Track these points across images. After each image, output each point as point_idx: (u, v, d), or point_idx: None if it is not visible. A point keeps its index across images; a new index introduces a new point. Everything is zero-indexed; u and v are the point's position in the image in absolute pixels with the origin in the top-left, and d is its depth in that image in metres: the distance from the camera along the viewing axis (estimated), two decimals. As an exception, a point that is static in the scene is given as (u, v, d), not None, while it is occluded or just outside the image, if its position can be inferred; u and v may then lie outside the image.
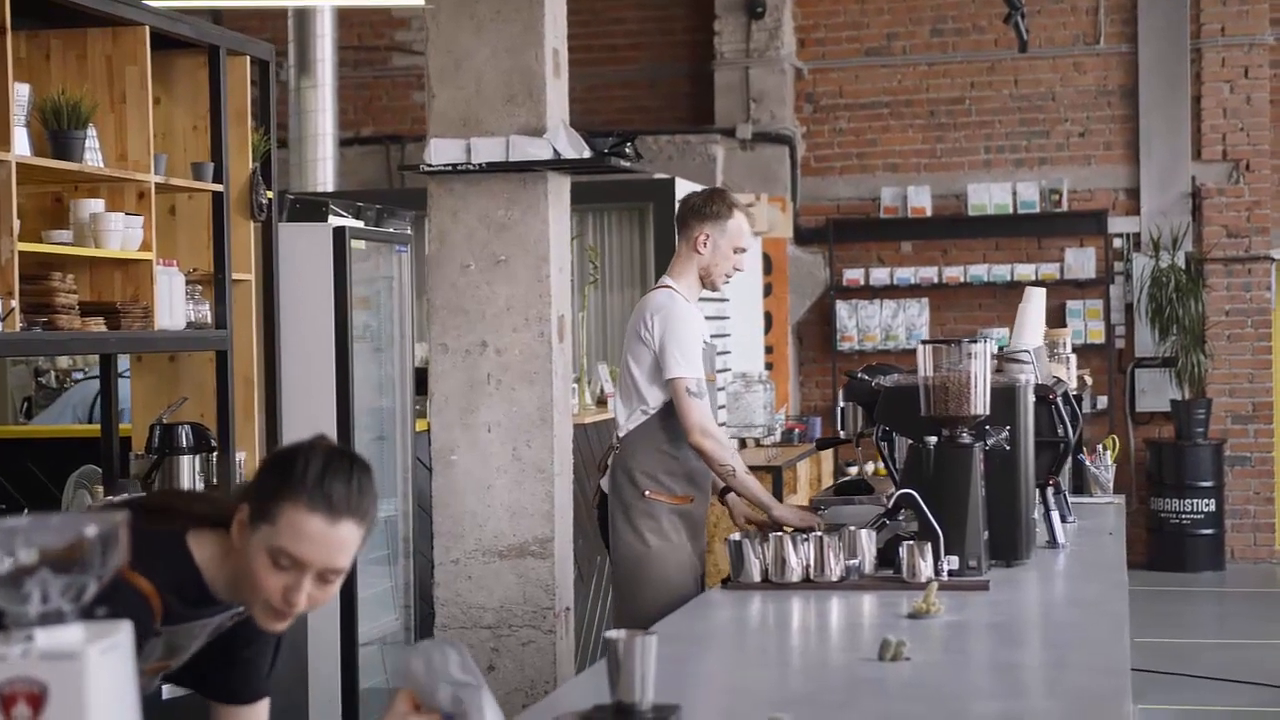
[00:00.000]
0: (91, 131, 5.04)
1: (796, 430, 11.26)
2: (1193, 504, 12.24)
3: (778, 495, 8.55)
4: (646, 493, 5.25)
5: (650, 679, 2.77)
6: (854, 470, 12.32)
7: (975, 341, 4.47)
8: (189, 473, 5.51)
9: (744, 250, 5.43)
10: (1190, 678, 8.72)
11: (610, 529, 5.33)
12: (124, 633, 1.85)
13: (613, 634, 2.76)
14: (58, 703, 1.77)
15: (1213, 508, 12.26)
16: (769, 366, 12.42)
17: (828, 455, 11.51)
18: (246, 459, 5.86)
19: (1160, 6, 12.61)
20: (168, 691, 4.42)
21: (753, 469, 8.85)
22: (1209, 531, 12.28)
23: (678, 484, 5.27)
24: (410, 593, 6.98)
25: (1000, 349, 5.40)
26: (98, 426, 5.88)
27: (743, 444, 10.38)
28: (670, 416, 5.21)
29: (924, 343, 4.52)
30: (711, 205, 5.37)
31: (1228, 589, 11.90)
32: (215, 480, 5.69)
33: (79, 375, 8.87)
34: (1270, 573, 12.41)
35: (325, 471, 2.55)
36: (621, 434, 5.34)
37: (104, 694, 1.80)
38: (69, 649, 1.78)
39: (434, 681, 2.70)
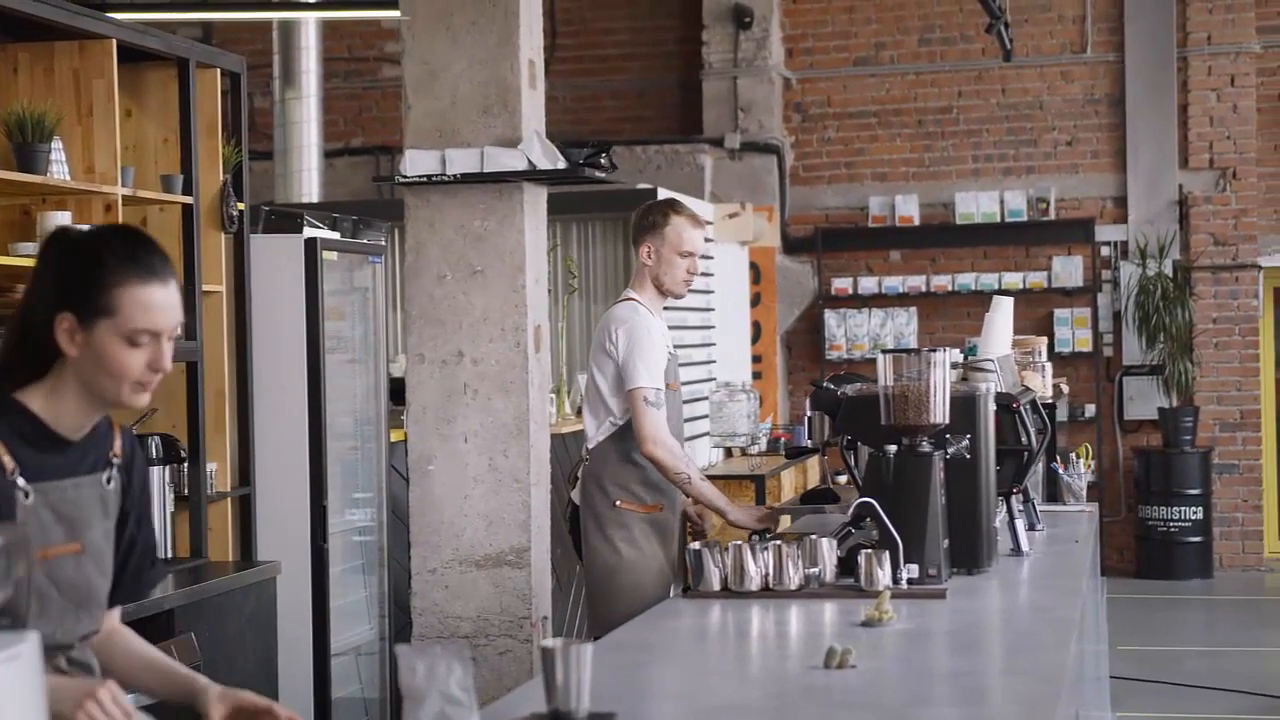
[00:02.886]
0: (57, 144, 5.06)
1: (783, 439, 11.27)
2: (1181, 512, 12.24)
3: (761, 502, 8.57)
4: (617, 503, 5.34)
5: (585, 687, 2.78)
6: (843, 479, 12.34)
7: (935, 350, 4.48)
8: (159, 484, 5.51)
9: (691, 254, 5.49)
10: (1174, 685, 8.73)
11: (582, 539, 5.39)
12: (29, 643, 1.86)
13: (548, 643, 2.78)
14: (-42, 712, 1.79)
15: (1201, 515, 12.27)
16: (757, 376, 12.44)
17: (814, 464, 11.52)
18: (217, 470, 5.88)
19: (1146, 15, 12.63)
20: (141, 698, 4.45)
21: (736, 478, 8.88)
22: (1197, 539, 12.28)
23: (648, 493, 5.33)
24: (386, 602, 6.99)
25: (965, 357, 5.41)
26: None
27: (728, 453, 10.41)
28: None
29: (884, 352, 4.53)
30: (648, 217, 5.54)
31: (1216, 596, 11.89)
32: (186, 492, 5.70)
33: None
34: (1258, 580, 12.41)
35: (133, 247, 2.68)
36: (590, 445, 5.42)
37: (7, 705, 1.81)
38: (-32, 659, 1.80)
39: (428, 689, 2.70)
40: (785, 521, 6.13)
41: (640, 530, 5.30)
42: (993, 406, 4.76)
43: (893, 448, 4.46)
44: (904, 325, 12.91)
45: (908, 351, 4.51)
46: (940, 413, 4.45)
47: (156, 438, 5.55)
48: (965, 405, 4.61)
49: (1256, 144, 12.63)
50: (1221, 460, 12.58)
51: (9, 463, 2.66)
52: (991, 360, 5.21)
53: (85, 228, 2.74)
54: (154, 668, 2.95)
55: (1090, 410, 12.58)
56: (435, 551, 5.70)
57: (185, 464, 5.65)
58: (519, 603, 5.68)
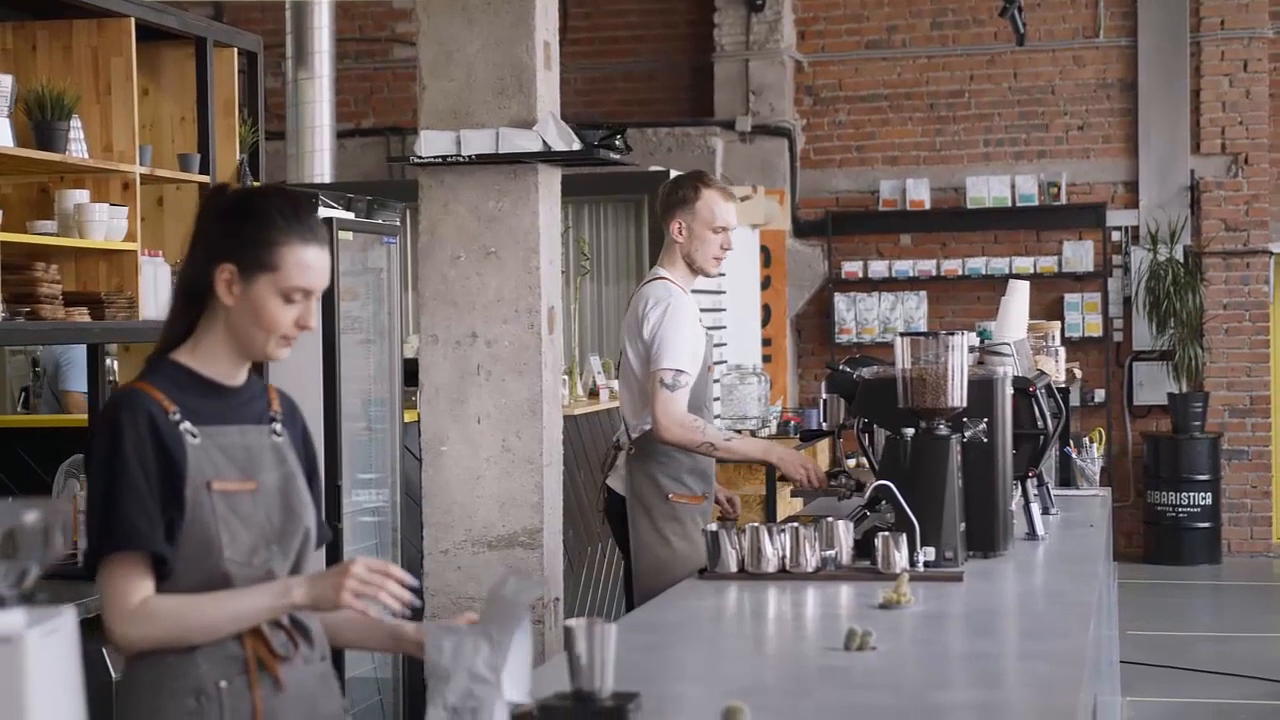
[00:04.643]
0: (76, 122, 5.06)
1: (793, 422, 11.27)
2: (1190, 497, 12.25)
3: (771, 486, 8.53)
4: (670, 495, 5.20)
5: (609, 667, 2.78)
6: (852, 463, 12.35)
7: (953, 334, 4.48)
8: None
9: (724, 229, 5.32)
10: (1183, 670, 8.74)
11: (631, 531, 5.25)
12: (66, 617, 1.87)
13: (572, 623, 2.78)
14: (-3, 686, 1.79)
15: (1209, 501, 12.27)
16: (767, 359, 12.44)
17: (825, 447, 11.53)
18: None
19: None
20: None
21: (746, 460, 8.80)
22: (1206, 525, 12.29)
23: (698, 483, 5.23)
24: (399, 583, 6.99)
25: (981, 341, 5.41)
26: (86, 417, 5.90)
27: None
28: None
29: (902, 335, 4.53)
30: (677, 191, 5.35)
31: (1224, 582, 11.90)
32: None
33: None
34: (1266, 566, 12.41)
35: (298, 209, 2.85)
36: (635, 434, 5.26)
37: (44, 678, 1.82)
38: (8, 633, 1.80)
39: (455, 668, 2.71)
40: (797, 505, 6.13)
41: (691, 522, 5.21)
42: (1010, 390, 4.76)
43: (910, 431, 4.46)
44: (914, 309, 12.91)
45: (926, 335, 4.50)
46: (958, 396, 4.45)
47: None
48: (982, 389, 4.60)
49: (1269, 129, 12.61)
50: (1231, 446, 12.58)
51: (170, 406, 2.79)
52: (1008, 344, 5.21)
53: (244, 187, 2.89)
54: (356, 620, 3.03)
55: (1100, 395, 12.58)
56: (448, 532, 5.70)
57: (201, 443, 5.65)
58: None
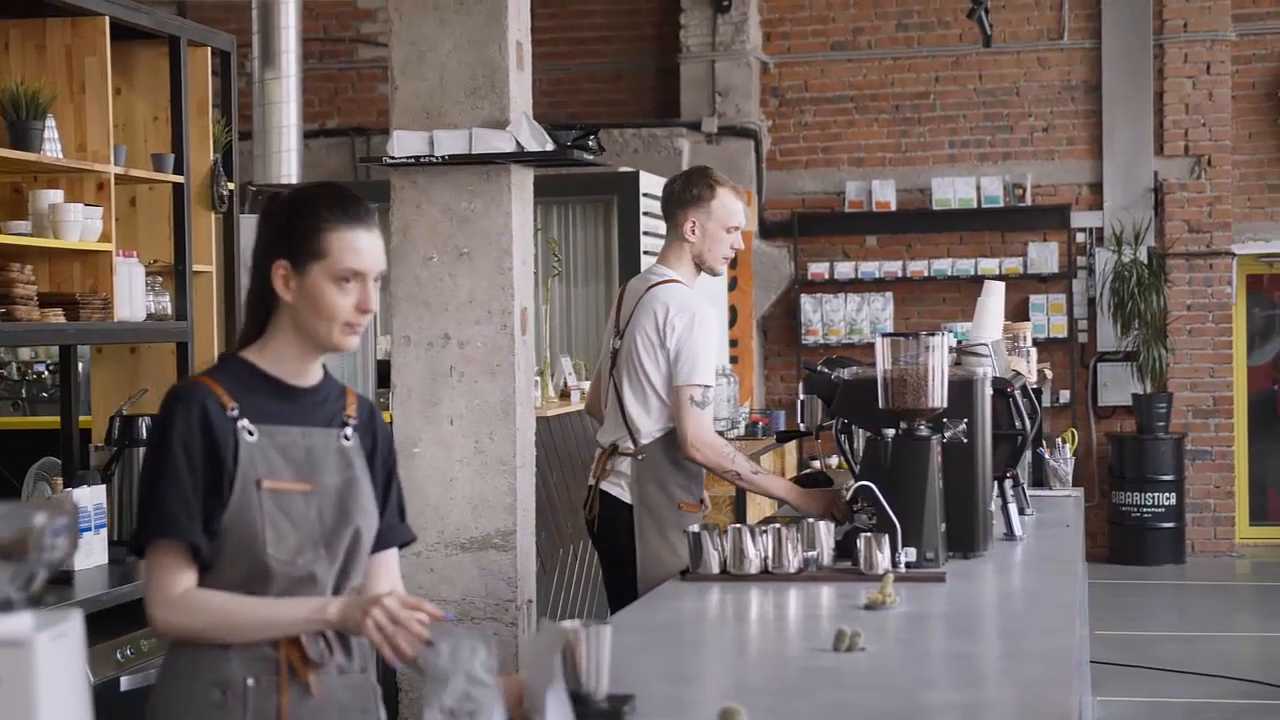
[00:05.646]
0: (51, 122, 5.02)
1: (761, 424, 11.28)
2: (1154, 497, 12.31)
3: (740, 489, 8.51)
4: (681, 505, 5.06)
5: (605, 669, 2.78)
6: (816, 464, 12.38)
7: (934, 334, 4.48)
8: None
9: (736, 228, 5.15)
10: (1150, 670, 8.78)
11: (638, 540, 5.06)
12: (74, 621, 1.85)
13: (568, 624, 2.78)
14: (7, 691, 1.77)
15: (1173, 501, 12.34)
16: (734, 360, 12.45)
17: (791, 449, 11.55)
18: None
19: (1123, 2, 12.67)
20: (126, 683, 4.43)
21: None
22: (1170, 525, 12.35)
23: (698, 490, 5.13)
24: (372, 585, 6.97)
25: (959, 342, 5.42)
26: (57, 418, 5.85)
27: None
28: None
29: (883, 335, 4.53)
30: (691, 189, 5.13)
31: (1188, 582, 11.97)
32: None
33: (41, 368, 8.82)
34: (1230, 565, 12.49)
35: (342, 199, 2.92)
36: (643, 440, 5.07)
37: (54, 682, 1.80)
38: (18, 637, 1.78)
39: (452, 671, 2.70)
40: (766, 505, 6.14)
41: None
42: (989, 391, 4.77)
43: (891, 431, 4.46)
44: (880, 310, 12.93)
45: (906, 335, 4.51)
46: (939, 397, 4.45)
47: (148, 418, 5.52)
48: (962, 389, 4.61)
49: (1231, 131, 12.69)
50: (1194, 446, 12.66)
51: (229, 402, 2.85)
52: (985, 345, 5.22)
53: (293, 186, 2.91)
54: None
55: (1065, 396, 12.64)
56: (421, 535, 5.67)
57: (175, 445, 5.61)
58: (505, 586, 5.67)
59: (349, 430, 2.98)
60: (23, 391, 8.66)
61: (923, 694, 3.06)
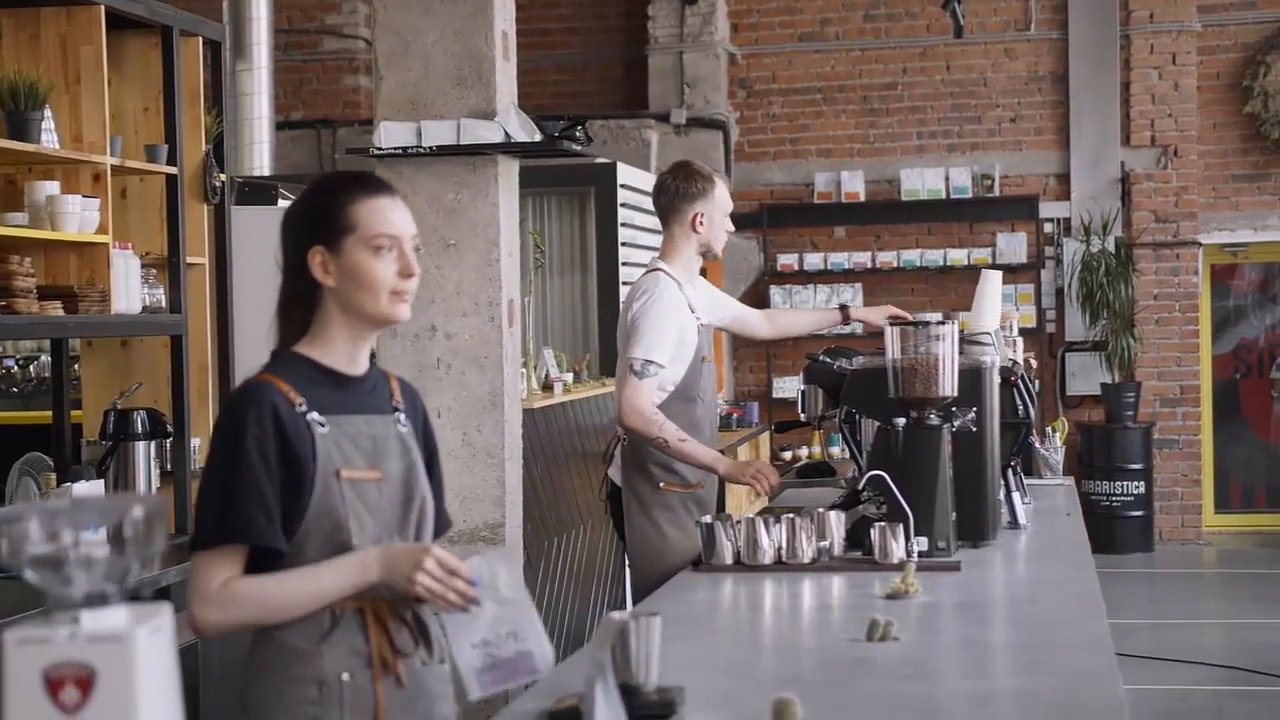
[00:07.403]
0: (48, 112, 4.96)
1: (734, 415, 11.29)
2: (1122, 486, 12.38)
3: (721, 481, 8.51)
4: (661, 484, 5.19)
5: (655, 660, 2.77)
6: (788, 455, 12.39)
7: (943, 323, 4.48)
8: (144, 459, 5.44)
9: (730, 212, 5.48)
10: (1122, 657, 8.82)
11: (626, 521, 5.24)
12: (166, 615, 1.83)
13: (618, 615, 2.75)
14: (106, 685, 1.75)
15: (1142, 490, 12.41)
16: (703, 351, 12.43)
17: (764, 440, 11.56)
18: (202, 445, 5.80)
19: (1090, -8, 12.73)
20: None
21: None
22: (1138, 513, 12.43)
23: (691, 471, 5.20)
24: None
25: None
26: (49, 413, 5.79)
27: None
28: (677, 404, 5.15)
29: (892, 324, 4.53)
30: (694, 184, 5.33)
31: (1157, 570, 12.04)
32: (170, 467, 5.62)
33: (10, 363, 8.74)
34: (1198, 553, 12.57)
35: (355, 176, 2.94)
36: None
37: (151, 675, 1.78)
38: (116, 631, 1.76)
39: (479, 596, 2.69)
40: (742, 496, 6.14)
41: (684, 510, 5.18)
42: (997, 379, 4.78)
43: (901, 421, 4.46)
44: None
45: (916, 324, 4.50)
46: (949, 385, 4.45)
47: (142, 412, 5.47)
48: (971, 378, 4.62)
49: (1197, 122, 12.76)
50: (1162, 435, 12.73)
51: (297, 398, 2.83)
52: (988, 333, 5.23)
53: (310, 185, 2.98)
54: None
55: (1035, 386, 12.66)
56: (412, 528, 5.65)
57: (170, 439, 5.57)
58: (492, 579, 5.64)
59: (402, 416, 2.97)
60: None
61: (968, 683, 3.06)
